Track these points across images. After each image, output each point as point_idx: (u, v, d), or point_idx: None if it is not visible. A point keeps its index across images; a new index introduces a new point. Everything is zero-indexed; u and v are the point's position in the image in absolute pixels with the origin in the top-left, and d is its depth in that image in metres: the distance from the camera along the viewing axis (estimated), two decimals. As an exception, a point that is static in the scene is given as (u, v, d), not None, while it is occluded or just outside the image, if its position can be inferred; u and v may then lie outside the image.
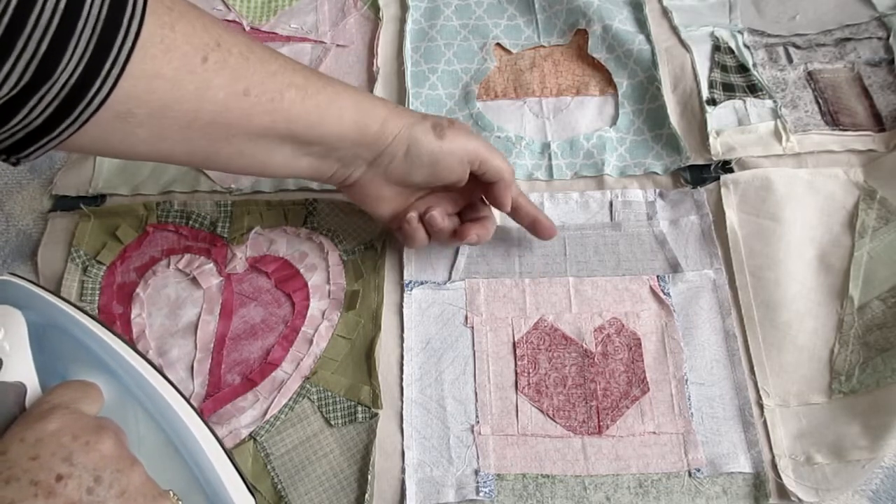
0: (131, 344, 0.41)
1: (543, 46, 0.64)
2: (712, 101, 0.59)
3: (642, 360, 0.50)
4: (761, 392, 0.48)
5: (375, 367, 0.50)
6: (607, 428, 0.48)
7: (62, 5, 0.31)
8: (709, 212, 0.55)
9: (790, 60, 0.62)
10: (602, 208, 0.56)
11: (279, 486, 0.47)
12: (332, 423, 0.49)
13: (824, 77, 0.60)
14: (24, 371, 0.37)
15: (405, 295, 0.53)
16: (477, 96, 0.62)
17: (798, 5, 0.65)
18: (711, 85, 0.60)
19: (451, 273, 0.54)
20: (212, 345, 0.52)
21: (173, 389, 0.40)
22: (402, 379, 0.50)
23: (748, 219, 0.54)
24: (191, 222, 0.57)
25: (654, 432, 0.48)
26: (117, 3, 0.34)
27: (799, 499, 0.45)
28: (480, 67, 0.63)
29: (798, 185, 0.54)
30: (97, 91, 0.34)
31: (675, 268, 0.53)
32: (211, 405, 0.49)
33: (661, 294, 0.52)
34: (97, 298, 0.54)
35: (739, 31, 0.63)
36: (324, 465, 0.47)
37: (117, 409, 0.38)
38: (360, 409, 0.49)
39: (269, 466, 0.47)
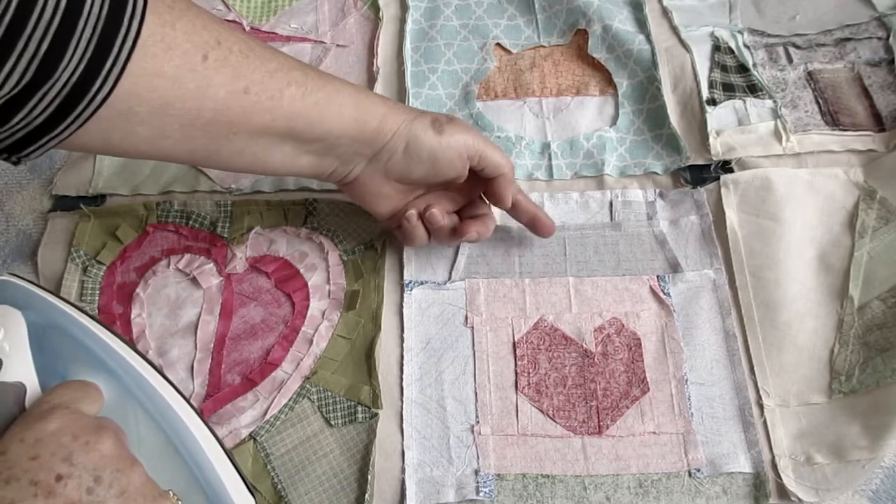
0: (131, 344, 0.41)
1: (543, 46, 0.64)
2: (712, 101, 0.59)
3: (642, 360, 0.50)
4: (761, 392, 0.48)
5: (375, 367, 0.50)
6: (607, 428, 0.48)
7: (63, 4, 0.31)
8: (709, 212, 0.55)
9: (790, 60, 0.62)
10: (602, 208, 0.56)
11: (279, 486, 0.47)
12: (332, 423, 0.49)
13: (824, 77, 0.60)
14: (23, 371, 0.37)
15: (405, 295, 0.53)
16: (477, 96, 0.62)
17: (798, 5, 0.65)
18: (711, 85, 0.60)
19: (451, 273, 0.54)
20: (212, 345, 0.52)
21: (173, 389, 0.40)
22: (402, 379, 0.50)
23: (748, 219, 0.54)
24: (191, 222, 0.57)
25: (654, 432, 0.48)
26: (118, 2, 0.34)
27: (799, 499, 0.45)
28: (480, 67, 0.63)
29: (798, 185, 0.54)
30: (98, 89, 0.34)
31: (675, 268, 0.53)
32: (211, 405, 0.49)
33: (661, 294, 0.52)
34: (97, 298, 0.54)
35: (739, 31, 0.63)
36: (324, 465, 0.47)
37: (117, 409, 0.38)
38: (360, 409, 0.49)
39: (269, 466, 0.47)
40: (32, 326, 0.38)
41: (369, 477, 0.46)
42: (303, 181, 0.58)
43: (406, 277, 0.54)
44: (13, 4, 0.30)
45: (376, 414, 0.49)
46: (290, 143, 0.44)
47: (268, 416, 0.49)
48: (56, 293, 0.42)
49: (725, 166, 0.56)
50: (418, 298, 0.53)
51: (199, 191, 0.58)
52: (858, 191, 0.54)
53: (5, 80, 0.31)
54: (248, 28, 0.67)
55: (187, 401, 0.40)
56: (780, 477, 0.45)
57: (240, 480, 0.39)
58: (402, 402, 0.49)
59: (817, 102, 0.59)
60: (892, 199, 0.53)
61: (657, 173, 0.57)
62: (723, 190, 0.55)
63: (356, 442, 0.48)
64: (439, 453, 0.48)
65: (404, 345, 0.51)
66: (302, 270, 0.54)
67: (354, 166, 0.48)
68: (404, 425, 0.48)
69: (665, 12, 0.65)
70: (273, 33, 0.67)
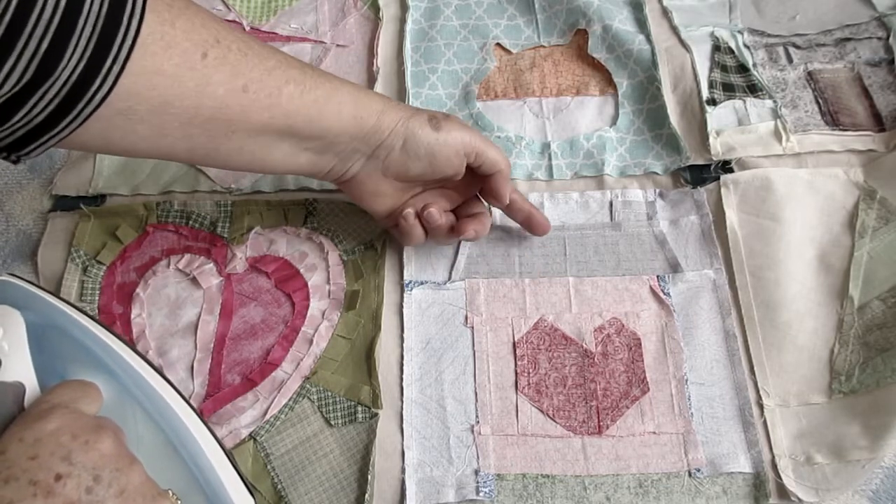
0: (130, 344, 0.41)
1: (543, 46, 0.64)
2: (712, 101, 0.59)
3: (642, 360, 0.50)
4: (761, 392, 0.48)
5: (375, 367, 0.50)
6: (607, 428, 0.48)
7: (63, 4, 0.32)
8: (709, 212, 0.55)
9: (790, 60, 0.62)
10: (602, 208, 0.56)
11: (279, 486, 0.47)
12: (332, 423, 0.49)
13: (824, 77, 0.60)
14: (22, 371, 0.37)
15: (405, 295, 0.53)
16: (477, 96, 0.62)
17: (798, 5, 0.65)
18: (711, 85, 0.60)
19: (451, 273, 0.54)
20: (212, 345, 0.52)
21: (172, 389, 0.40)
22: (402, 379, 0.50)
23: (748, 219, 0.54)
24: (191, 222, 0.57)
25: (654, 432, 0.47)
26: (117, 1, 0.34)
27: (799, 499, 0.45)
28: (480, 67, 0.63)
29: (798, 185, 0.54)
30: (98, 88, 0.34)
31: (675, 268, 0.53)
32: (211, 405, 0.49)
33: (661, 294, 0.52)
34: (97, 298, 0.54)
35: (739, 31, 0.63)
36: (324, 465, 0.47)
37: (116, 408, 0.38)
38: (360, 409, 0.49)
39: (269, 466, 0.47)
40: (31, 326, 0.38)
41: (369, 477, 0.46)
42: (303, 181, 0.58)
43: (406, 277, 0.54)
44: (13, 3, 0.30)
45: (376, 414, 0.49)
46: (289, 141, 0.44)
47: (268, 416, 0.49)
48: (55, 293, 0.42)
49: (725, 166, 0.56)
50: (418, 298, 0.53)
51: (199, 191, 0.58)
52: (858, 191, 0.54)
53: (6, 79, 0.31)
54: (248, 28, 0.67)
55: (186, 401, 0.40)
56: (780, 477, 0.45)
57: (239, 480, 0.39)
58: (402, 402, 0.49)
59: (817, 102, 0.59)
60: (892, 199, 0.53)
61: (657, 173, 0.57)
62: (723, 190, 0.55)
63: (356, 442, 0.48)
64: (439, 453, 0.47)
65: (404, 345, 0.51)
66: (302, 270, 0.54)
67: (353, 164, 0.48)
68: (404, 425, 0.48)
69: (665, 12, 0.65)
70: (273, 33, 0.67)
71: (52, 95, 0.33)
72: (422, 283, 0.54)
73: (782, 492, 0.45)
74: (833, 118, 0.58)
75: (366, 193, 0.50)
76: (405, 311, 0.52)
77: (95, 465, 0.32)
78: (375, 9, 0.67)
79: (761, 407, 0.48)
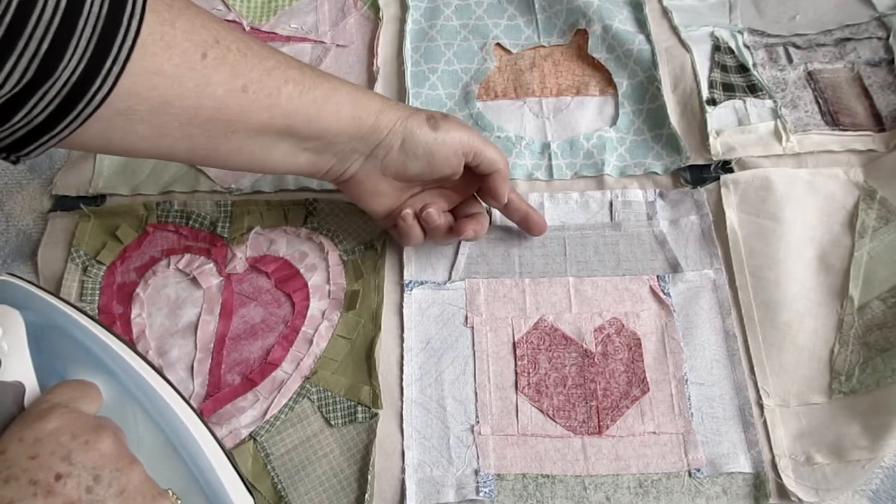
0: (130, 344, 0.41)
1: (543, 46, 0.64)
2: (712, 101, 0.59)
3: (642, 360, 0.50)
4: (761, 392, 0.48)
5: (375, 367, 0.50)
6: (607, 428, 0.48)
7: (63, 4, 0.32)
8: (709, 212, 0.55)
9: (790, 60, 0.62)
10: (602, 208, 0.56)
11: (279, 486, 0.47)
12: (332, 423, 0.49)
13: (824, 77, 0.60)
14: (22, 370, 0.37)
15: (405, 295, 0.53)
16: (477, 96, 0.62)
17: (798, 5, 0.65)
18: (711, 85, 0.60)
19: (451, 273, 0.54)
20: (212, 345, 0.52)
21: (172, 390, 0.40)
22: (402, 379, 0.50)
23: (748, 219, 0.54)
24: (191, 222, 0.57)
25: (654, 432, 0.47)
26: (118, 1, 0.34)
27: (799, 499, 0.45)
28: (480, 67, 0.63)
29: (798, 185, 0.54)
30: (98, 88, 0.34)
31: (675, 268, 0.53)
32: (211, 405, 0.49)
33: (661, 294, 0.52)
34: (97, 298, 0.54)
35: (739, 31, 0.63)
36: (324, 465, 0.47)
37: (116, 408, 0.38)
38: (360, 409, 0.49)
39: (269, 466, 0.47)
40: (31, 326, 0.38)
41: (369, 477, 0.46)
42: (303, 181, 0.58)
43: (406, 277, 0.54)
44: (14, 4, 0.30)
45: (376, 414, 0.49)
46: (288, 141, 0.44)
47: (268, 416, 0.49)
48: (55, 293, 0.42)
49: (725, 166, 0.56)
50: (418, 298, 0.53)
51: (199, 191, 0.58)
52: (858, 191, 0.54)
53: (6, 80, 0.31)
54: (248, 28, 0.67)
55: (186, 401, 0.40)
56: (780, 477, 0.45)
57: (238, 480, 0.39)
58: (402, 402, 0.49)
59: (817, 102, 0.59)
60: (892, 199, 0.53)
61: (657, 173, 0.57)
62: (723, 190, 0.55)
63: (356, 442, 0.48)
64: (439, 453, 0.47)
65: (404, 345, 0.51)
66: (302, 270, 0.54)
67: (351, 164, 0.48)
68: (404, 425, 0.48)
69: (665, 12, 0.65)
70: (273, 33, 0.67)
71: (53, 96, 0.33)
72: (422, 283, 0.54)
73: (782, 492, 0.45)
74: (833, 118, 0.58)
75: (364, 193, 0.50)
76: (405, 311, 0.52)
77: (95, 464, 0.32)
78: (375, 9, 0.67)
79: (761, 407, 0.48)
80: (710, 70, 0.61)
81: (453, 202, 0.52)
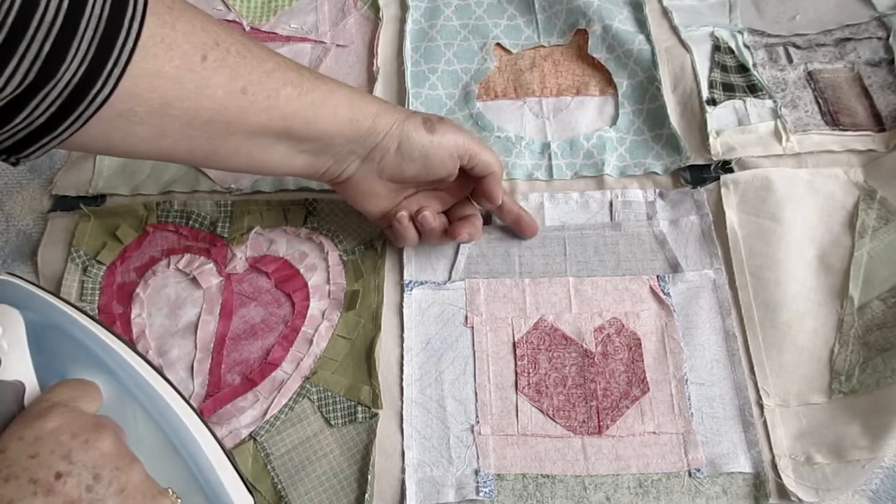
0: (130, 344, 0.41)
1: (543, 46, 0.64)
2: (712, 101, 0.59)
3: (642, 360, 0.50)
4: (761, 392, 0.48)
5: (375, 367, 0.50)
6: (607, 428, 0.48)
7: (65, 6, 0.32)
8: (709, 212, 0.55)
9: (790, 60, 0.62)
10: (602, 208, 0.56)
11: (279, 486, 0.47)
12: (332, 423, 0.49)
13: (824, 77, 0.60)
14: (22, 370, 0.37)
15: (405, 295, 0.53)
16: (477, 96, 0.62)
17: (798, 5, 0.65)
18: (711, 85, 0.60)
19: (451, 273, 0.54)
20: (212, 345, 0.52)
21: (172, 389, 0.40)
22: (402, 379, 0.50)
23: (748, 219, 0.54)
24: (191, 222, 0.57)
25: (654, 432, 0.47)
26: (119, 4, 0.34)
27: (799, 499, 0.45)
28: (480, 67, 0.63)
29: (798, 185, 0.54)
30: (99, 90, 0.35)
31: (675, 268, 0.53)
32: (211, 405, 0.49)
33: (661, 294, 0.52)
34: (97, 298, 0.54)
35: (739, 31, 0.63)
36: (324, 465, 0.47)
37: (116, 408, 0.38)
38: (360, 409, 0.49)
39: (269, 466, 0.47)
40: (31, 326, 0.39)
41: (369, 477, 0.46)
42: (303, 181, 0.58)
43: (406, 277, 0.54)
44: (16, 6, 0.30)
45: (376, 414, 0.49)
46: (286, 143, 0.45)
47: (268, 416, 0.49)
48: (55, 293, 0.42)
49: (725, 166, 0.56)
50: (418, 298, 0.53)
51: (199, 191, 0.58)
52: (858, 191, 0.54)
53: (7, 81, 0.32)
54: (248, 28, 0.67)
55: (186, 400, 0.40)
56: (780, 477, 0.45)
57: (238, 479, 0.39)
58: (402, 402, 0.49)
59: (817, 102, 0.59)
60: (892, 199, 0.53)
61: (657, 173, 0.57)
62: (723, 190, 0.55)
63: (356, 442, 0.48)
64: (439, 453, 0.47)
65: (404, 345, 0.51)
66: (302, 270, 0.54)
67: (348, 165, 0.48)
68: (404, 425, 0.48)
69: (665, 12, 0.65)
70: (273, 33, 0.67)
71: (54, 98, 0.34)
72: (422, 283, 0.54)
73: (782, 492, 0.45)
74: (833, 118, 0.58)
75: (360, 194, 0.50)
76: (405, 311, 0.53)
77: (95, 463, 0.32)
78: (375, 9, 0.67)
79: (761, 407, 0.48)
80: (710, 70, 0.61)
81: (447, 204, 0.53)
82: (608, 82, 0.62)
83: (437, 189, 0.52)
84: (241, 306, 0.53)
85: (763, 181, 0.55)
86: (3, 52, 0.31)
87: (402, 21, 0.66)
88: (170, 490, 0.35)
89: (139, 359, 0.40)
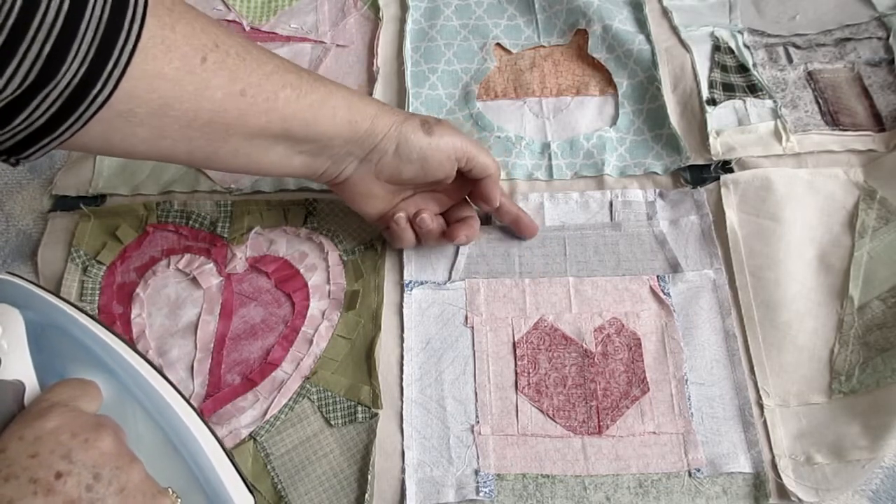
0: (130, 343, 0.41)
1: (543, 46, 0.64)
2: (712, 101, 0.59)
3: (642, 360, 0.50)
4: (761, 392, 0.48)
5: (375, 367, 0.50)
6: (607, 428, 0.48)
7: (65, 8, 0.32)
8: (709, 212, 0.55)
9: (790, 60, 0.62)
10: (602, 208, 0.56)
11: (279, 486, 0.47)
12: (332, 423, 0.49)
13: (824, 77, 0.60)
14: (22, 369, 0.37)
15: (405, 295, 0.53)
16: (477, 96, 0.62)
17: (798, 5, 0.65)
18: (711, 85, 0.60)
19: (451, 273, 0.54)
20: (212, 345, 0.52)
21: (172, 388, 0.40)
22: (402, 379, 0.50)
23: (748, 219, 0.54)
24: (191, 222, 0.57)
25: (654, 432, 0.47)
26: (119, 5, 0.34)
27: (799, 499, 0.45)
28: (480, 67, 0.63)
29: (798, 185, 0.54)
30: (99, 91, 0.35)
31: (675, 268, 0.53)
32: (211, 405, 0.49)
33: (661, 294, 0.52)
34: (97, 298, 0.54)
35: (739, 31, 0.63)
36: (324, 465, 0.47)
37: (116, 407, 0.38)
38: (360, 409, 0.49)
39: (269, 466, 0.47)
40: (31, 325, 0.39)
41: (369, 477, 0.46)
42: (303, 181, 0.58)
43: (406, 277, 0.54)
44: (16, 8, 0.30)
45: (376, 414, 0.49)
46: (284, 144, 0.45)
47: (268, 416, 0.49)
48: (55, 292, 0.42)
49: (725, 166, 0.56)
50: (418, 298, 0.53)
51: (199, 191, 0.58)
52: (858, 191, 0.54)
53: (8, 83, 0.32)
54: (248, 28, 0.67)
55: (186, 400, 0.41)
56: (780, 477, 0.45)
57: (239, 479, 0.39)
58: (402, 402, 0.49)
59: (817, 102, 0.59)
60: (892, 199, 0.53)
61: (657, 173, 0.57)
62: (723, 190, 0.55)
63: (356, 442, 0.48)
64: (439, 453, 0.47)
65: (404, 345, 0.51)
66: (302, 270, 0.54)
67: (346, 167, 0.48)
68: (404, 425, 0.48)
69: (665, 12, 0.65)
70: (273, 33, 0.67)
71: (54, 99, 0.34)
72: (422, 283, 0.54)
73: (782, 492, 0.45)
74: (833, 118, 0.58)
75: (358, 195, 0.50)
76: (405, 311, 0.53)
77: (95, 463, 0.32)
78: (375, 9, 0.67)
79: (761, 407, 0.48)
80: (710, 70, 0.61)
81: (445, 205, 0.53)
82: (608, 82, 0.62)
83: (435, 191, 0.52)
84: (241, 306, 0.53)
85: (763, 181, 0.55)
86: (4, 53, 0.31)
87: (402, 21, 0.66)
88: (170, 489, 0.35)
89: (139, 358, 0.40)
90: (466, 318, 0.52)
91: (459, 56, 0.64)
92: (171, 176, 0.59)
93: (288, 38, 0.66)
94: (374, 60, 0.64)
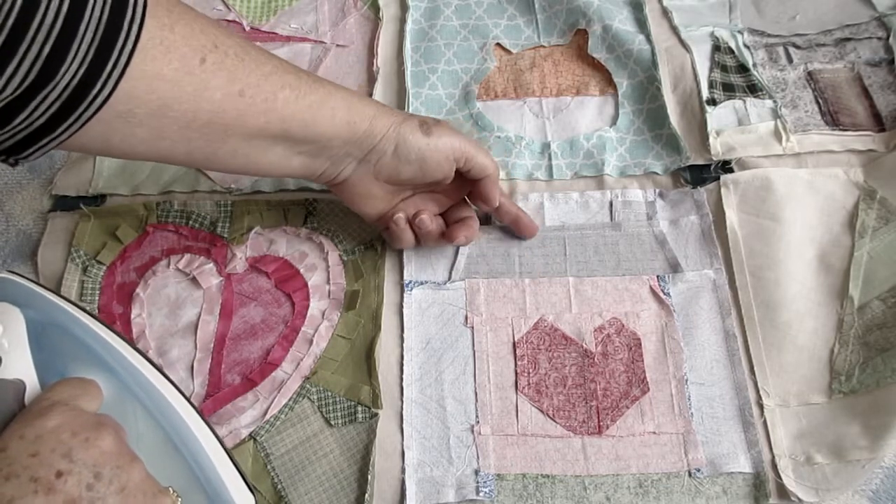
0: (130, 342, 0.41)
1: (543, 46, 0.64)
2: (712, 101, 0.59)
3: (642, 360, 0.50)
4: (761, 392, 0.48)
5: (375, 367, 0.50)
6: (607, 428, 0.48)
7: (65, 8, 0.32)
8: (709, 212, 0.55)
9: (790, 60, 0.62)
10: (602, 208, 0.57)
11: (279, 486, 0.47)
12: (332, 423, 0.49)
13: (824, 77, 0.60)
14: (23, 368, 0.37)
15: (405, 295, 0.53)
16: (477, 96, 0.62)
17: (798, 5, 0.65)
18: (711, 85, 0.60)
19: (451, 273, 0.54)
20: (212, 345, 0.52)
21: (172, 387, 0.40)
22: (402, 379, 0.50)
23: (748, 219, 0.54)
24: (191, 222, 0.57)
25: (654, 432, 0.47)
26: (118, 6, 0.34)
27: (799, 499, 0.45)
28: (480, 67, 0.63)
29: (798, 185, 0.54)
30: (99, 91, 0.35)
31: (675, 268, 0.53)
32: (211, 405, 0.49)
33: (661, 294, 0.52)
34: (97, 298, 0.54)
35: (739, 31, 0.63)
36: (324, 465, 0.47)
37: (116, 406, 0.38)
38: (360, 409, 0.49)
39: (269, 466, 0.47)
40: (31, 324, 0.39)
41: (369, 477, 0.46)
42: (303, 181, 0.58)
43: (406, 277, 0.54)
44: (16, 8, 0.30)
45: (376, 414, 0.49)
46: (283, 145, 0.45)
47: (268, 416, 0.49)
48: (56, 291, 0.42)
49: (725, 166, 0.56)
50: (418, 298, 0.53)
51: (199, 191, 0.58)
52: (858, 191, 0.54)
53: (8, 83, 0.32)
54: (247, 28, 0.67)
55: (187, 399, 0.41)
56: (780, 477, 0.45)
57: (239, 478, 0.39)
58: (402, 402, 0.49)
59: (817, 102, 0.59)
60: (892, 199, 0.53)
61: (657, 173, 0.57)
62: (723, 190, 0.55)
63: (356, 442, 0.48)
64: (439, 453, 0.47)
65: (404, 345, 0.51)
66: (302, 270, 0.54)
67: (345, 167, 0.48)
68: (404, 425, 0.48)
69: (665, 12, 0.65)
70: (273, 33, 0.67)
71: (53, 99, 0.34)
72: (422, 283, 0.54)
73: (782, 492, 0.45)
74: (833, 118, 0.58)
75: (357, 196, 0.50)
76: (405, 311, 0.53)
77: (96, 462, 0.32)
78: (375, 9, 0.67)
79: (761, 407, 0.48)
80: (710, 70, 0.61)
81: (444, 206, 0.53)
82: (608, 82, 0.62)
83: (434, 191, 0.52)
84: (241, 306, 0.53)
85: (763, 181, 0.55)
86: (3, 53, 0.31)
87: (402, 21, 0.66)
88: (170, 489, 0.35)
89: (140, 357, 0.40)
90: (466, 318, 0.52)
91: (459, 56, 0.64)
92: (171, 176, 0.59)
93: (288, 38, 0.66)
94: (374, 60, 0.64)
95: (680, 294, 0.52)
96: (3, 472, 0.30)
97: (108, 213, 0.57)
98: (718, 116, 0.58)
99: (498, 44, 0.65)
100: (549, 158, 0.59)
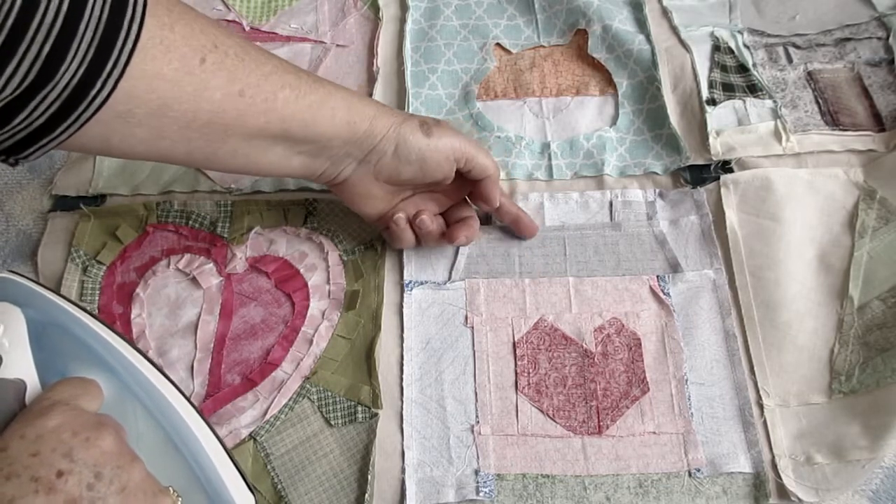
0: (130, 342, 0.41)
1: (543, 46, 0.64)
2: (712, 101, 0.59)
3: (642, 360, 0.50)
4: (761, 392, 0.48)
5: (375, 367, 0.50)
6: (607, 428, 0.48)
7: (65, 8, 0.32)
8: (709, 212, 0.55)
9: (790, 60, 0.62)
10: (602, 208, 0.57)
11: (279, 486, 0.47)
12: (332, 423, 0.49)
13: (824, 77, 0.60)
14: (23, 368, 0.37)
15: (405, 295, 0.53)
16: (477, 96, 0.62)
17: (798, 5, 0.65)
18: (711, 85, 0.60)
19: (451, 273, 0.54)
20: (212, 345, 0.52)
21: (173, 387, 0.40)
22: (402, 379, 0.50)
23: (748, 219, 0.54)
24: (191, 222, 0.57)
25: (654, 432, 0.47)
26: (118, 5, 0.34)
27: (799, 499, 0.45)
28: (480, 67, 0.63)
29: (798, 185, 0.54)
30: (98, 91, 0.35)
31: (675, 268, 0.53)
32: (211, 405, 0.49)
33: (661, 294, 0.52)
34: (97, 298, 0.54)
35: (739, 31, 0.63)
36: (324, 465, 0.47)
37: (117, 405, 0.38)
38: (360, 409, 0.49)
39: (269, 466, 0.47)
40: (32, 323, 0.39)
41: (369, 477, 0.46)
42: (303, 181, 0.58)
43: (406, 277, 0.54)
44: (16, 8, 0.30)
45: (376, 414, 0.49)
46: (283, 145, 0.45)
47: (268, 416, 0.49)
48: (56, 291, 0.42)
49: (725, 166, 0.56)
50: (418, 298, 0.53)
51: (199, 191, 0.58)
52: (858, 191, 0.54)
53: (7, 83, 0.32)
54: (247, 28, 0.67)
55: (187, 398, 0.41)
56: (780, 477, 0.45)
57: (239, 478, 0.39)
58: (402, 402, 0.49)
59: (817, 102, 0.59)
60: (892, 199, 0.53)
61: (657, 173, 0.57)
62: (723, 190, 0.55)
63: (356, 442, 0.48)
64: (439, 453, 0.47)
65: (404, 345, 0.51)
66: (302, 270, 0.54)
67: (345, 167, 0.48)
68: (404, 425, 0.48)
69: (665, 12, 0.65)
70: (273, 33, 0.67)
71: (53, 99, 0.34)
72: (422, 283, 0.54)
73: (782, 492, 0.45)
74: (833, 118, 0.58)
75: (357, 196, 0.50)
76: (405, 311, 0.53)
77: (96, 461, 0.32)
78: (375, 9, 0.67)
79: (761, 407, 0.48)
80: (710, 70, 0.61)
81: (444, 206, 0.53)
82: (608, 82, 0.62)
83: (435, 191, 0.52)
84: (241, 306, 0.53)
85: (763, 181, 0.55)
86: (3, 53, 0.31)
87: (402, 21, 0.66)
88: (171, 488, 0.35)
89: (140, 357, 0.40)
90: (466, 318, 0.52)
91: (459, 56, 0.64)
92: (171, 176, 0.59)
93: (288, 38, 0.66)
94: (374, 60, 0.64)
95: (680, 294, 0.52)
96: (4, 471, 0.30)
97: (108, 213, 0.57)
98: (718, 116, 0.58)
99: (498, 44, 0.65)
100: (549, 158, 0.59)
